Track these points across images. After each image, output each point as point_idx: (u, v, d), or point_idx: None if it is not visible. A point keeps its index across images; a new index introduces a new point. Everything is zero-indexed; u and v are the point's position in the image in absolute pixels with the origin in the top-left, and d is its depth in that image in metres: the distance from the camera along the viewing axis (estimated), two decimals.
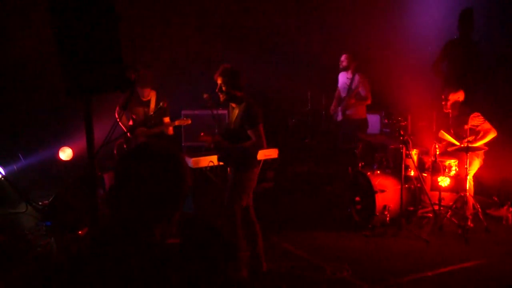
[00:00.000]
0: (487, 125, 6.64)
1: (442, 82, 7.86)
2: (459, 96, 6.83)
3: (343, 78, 8.22)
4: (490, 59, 8.05)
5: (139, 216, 1.87)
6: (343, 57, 8.06)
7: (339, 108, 8.20)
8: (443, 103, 6.91)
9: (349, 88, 8.05)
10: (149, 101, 6.92)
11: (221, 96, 5.04)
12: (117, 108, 6.90)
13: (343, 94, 8.21)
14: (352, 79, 8.03)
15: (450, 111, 6.89)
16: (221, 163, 5.43)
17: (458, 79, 7.59)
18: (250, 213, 5.22)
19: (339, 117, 8.22)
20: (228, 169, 5.23)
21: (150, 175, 1.86)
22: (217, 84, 5.03)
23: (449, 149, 6.69)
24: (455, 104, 6.83)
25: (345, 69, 8.06)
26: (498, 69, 8.05)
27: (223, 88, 4.99)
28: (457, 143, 6.60)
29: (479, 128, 6.63)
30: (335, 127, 8.43)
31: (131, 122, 7.07)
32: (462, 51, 7.90)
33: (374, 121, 8.63)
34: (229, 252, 2.02)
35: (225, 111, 7.12)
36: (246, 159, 5.02)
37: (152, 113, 6.85)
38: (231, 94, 5.01)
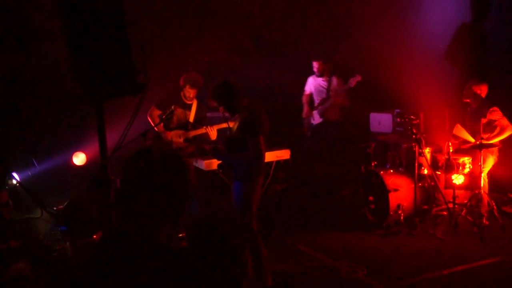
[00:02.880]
0: (504, 121, 6.58)
1: (459, 70, 7.77)
2: (482, 88, 6.79)
3: (316, 81, 8.30)
4: (502, 49, 7.89)
5: (144, 218, 1.89)
6: (317, 64, 8.13)
7: (315, 112, 8.27)
8: (464, 92, 6.87)
9: (328, 91, 8.12)
10: (190, 106, 6.87)
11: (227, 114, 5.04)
12: (152, 107, 6.88)
13: (318, 98, 8.29)
14: (329, 82, 8.12)
15: (469, 101, 6.85)
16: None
17: (472, 67, 7.48)
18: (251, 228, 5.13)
19: (316, 120, 8.27)
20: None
21: (154, 178, 1.88)
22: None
23: (463, 146, 6.65)
24: (476, 96, 6.78)
25: (322, 75, 8.16)
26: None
27: (221, 109, 4.96)
28: (472, 140, 6.56)
29: (496, 123, 6.58)
30: (311, 131, 8.41)
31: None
32: (473, 38, 7.78)
33: (386, 120, 8.59)
34: (234, 254, 2.03)
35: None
36: (245, 170, 4.87)
37: (191, 119, 6.80)
38: (232, 109, 4.96)
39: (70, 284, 1.85)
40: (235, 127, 4.94)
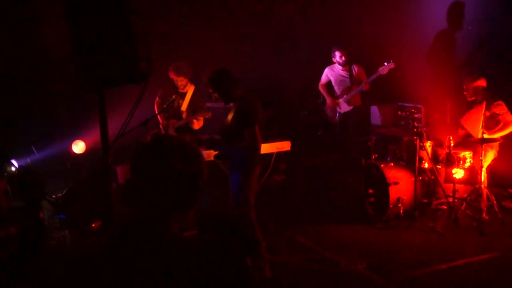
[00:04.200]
0: (509, 117, 6.56)
1: (435, 71, 7.90)
2: (479, 82, 6.75)
3: (336, 71, 8.30)
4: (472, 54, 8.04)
5: (156, 210, 1.87)
6: (341, 54, 8.07)
7: (341, 101, 8.28)
8: (465, 93, 6.86)
9: (351, 79, 8.14)
10: (185, 94, 6.87)
11: (221, 101, 5.07)
12: (157, 98, 6.91)
13: (340, 87, 8.29)
14: (350, 70, 8.13)
15: (474, 98, 6.83)
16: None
17: (447, 70, 7.58)
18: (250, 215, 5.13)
19: (343, 109, 8.28)
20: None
21: (166, 169, 1.86)
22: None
23: (464, 138, 6.62)
24: (478, 91, 6.75)
25: (346, 64, 8.13)
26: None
27: (216, 95, 5.00)
28: (476, 135, 6.55)
29: (500, 117, 6.57)
30: (340, 118, 8.44)
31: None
32: (448, 43, 7.88)
33: (387, 113, 8.58)
34: (247, 247, 2.01)
35: None
36: (241, 161, 4.90)
37: (183, 108, 6.79)
38: (226, 97, 4.99)
39: (81, 274, 1.83)
40: (230, 117, 4.94)
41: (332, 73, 8.36)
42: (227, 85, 4.92)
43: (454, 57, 8.06)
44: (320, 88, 8.55)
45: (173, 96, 6.41)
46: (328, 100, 8.49)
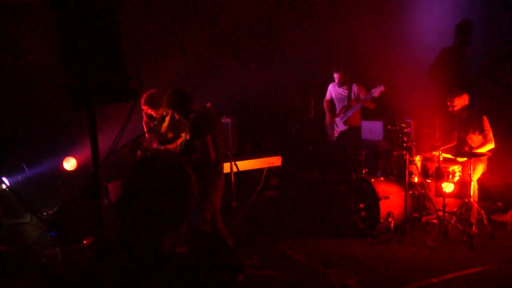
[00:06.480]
0: (491, 134, 6.67)
1: (439, 88, 7.93)
2: (464, 99, 6.86)
3: (336, 89, 8.46)
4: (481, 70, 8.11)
5: (148, 227, 1.89)
6: (338, 75, 8.25)
7: (338, 119, 8.41)
8: (449, 109, 6.94)
9: (349, 99, 8.26)
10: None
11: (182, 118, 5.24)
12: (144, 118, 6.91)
13: (339, 105, 8.46)
14: (350, 90, 8.25)
15: (457, 114, 6.92)
16: None
17: (453, 86, 7.63)
18: (217, 228, 5.17)
19: (340, 127, 8.40)
20: None
21: (158, 187, 1.88)
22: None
23: (453, 155, 6.70)
24: (462, 107, 6.86)
25: (343, 84, 8.30)
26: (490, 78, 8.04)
27: (176, 115, 5.23)
28: (451, 156, 6.71)
29: (486, 133, 6.67)
30: (336, 137, 8.50)
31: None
32: (456, 60, 7.93)
33: (377, 128, 8.63)
34: (236, 264, 2.03)
35: None
36: (196, 172, 4.91)
37: (162, 131, 6.73)
38: (186, 114, 5.19)
39: None
40: (187, 132, 5.10)
41: (334, 90, 8.54)
42: (184, 103, 5.14)
43: (462, 73, 8.10)
44: (324, 104, 8.74)
45: (164, 112, 6.36)
46: (327, 118, 8.66)
